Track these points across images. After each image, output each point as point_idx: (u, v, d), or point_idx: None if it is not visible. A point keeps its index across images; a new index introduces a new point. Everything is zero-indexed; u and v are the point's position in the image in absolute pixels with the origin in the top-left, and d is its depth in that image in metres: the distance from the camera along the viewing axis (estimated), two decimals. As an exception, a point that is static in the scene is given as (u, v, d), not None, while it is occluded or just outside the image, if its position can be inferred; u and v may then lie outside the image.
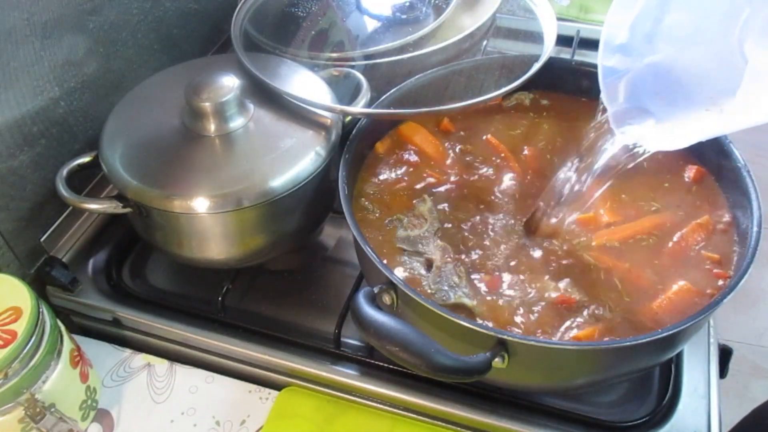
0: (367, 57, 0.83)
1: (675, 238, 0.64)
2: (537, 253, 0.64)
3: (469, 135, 0.76)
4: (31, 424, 0.59)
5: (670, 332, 0.52)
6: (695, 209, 0.67)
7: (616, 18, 0.61)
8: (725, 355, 0.70)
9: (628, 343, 0.53)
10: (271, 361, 0.70)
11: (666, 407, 0.65)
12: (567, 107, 0.78)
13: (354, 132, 0.71)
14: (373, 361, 0.69)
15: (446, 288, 0.60)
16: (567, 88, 0.79)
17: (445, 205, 0.68)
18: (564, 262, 0.63)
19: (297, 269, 0.81)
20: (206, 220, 0.67)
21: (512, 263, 0.63)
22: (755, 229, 0.60)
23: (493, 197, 0.69)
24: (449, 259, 0.62)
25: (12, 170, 0.71)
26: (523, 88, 0.74)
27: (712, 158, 0.69)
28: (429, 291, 0.61)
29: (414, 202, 0.68)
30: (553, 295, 0.60)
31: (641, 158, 0.59)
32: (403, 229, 0.66)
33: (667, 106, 0.58)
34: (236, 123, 0.70)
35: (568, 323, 0.58)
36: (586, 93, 0.79)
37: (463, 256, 0.63)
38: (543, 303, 0.59)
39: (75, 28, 0.75)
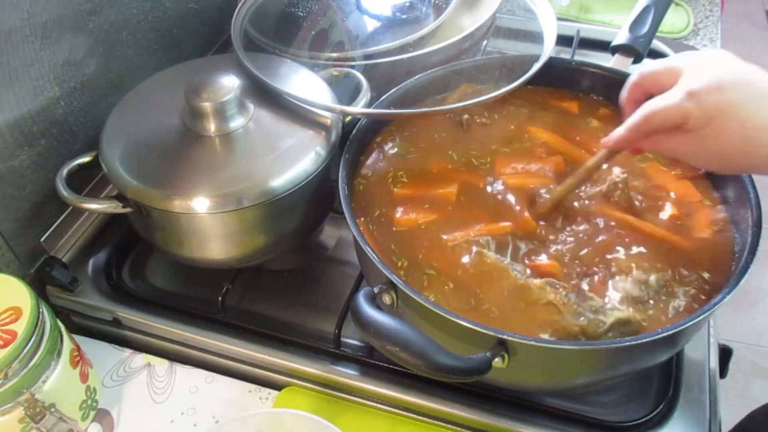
0: (367, 57, 0.83)
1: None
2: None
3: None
4: (31, 424, 0.59)
5: (670, 332, 0.52)
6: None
7: None
8: (725, 355, 0.70)
9: (628, 343, 0.53)
10: (271, 361, 0.70)
11: (666, 407, 0.65)
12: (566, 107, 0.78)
13: (354, 132, 0.71)
14: (373, 361, 0.69)
15: (592, 315, 0.57)
16: (567, 88, 0.79)
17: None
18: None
19: (297, 269, 0.81)
20: (206, 220, 0.67)
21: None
22: (754, 229, 0.60)
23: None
24: (561, 289, 0.59)
25: (12, 170, 0.71)
26: (522, 87, 0.74)
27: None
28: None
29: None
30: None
31: None
32: None
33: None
34: (236, 123, 0.70)
35: None
36: (586, 93, 0.79)
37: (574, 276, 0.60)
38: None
39: (75, 28, 0.75)
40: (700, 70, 0.55)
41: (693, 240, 0.63)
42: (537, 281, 0.59)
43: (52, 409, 0.60)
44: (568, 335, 0.56)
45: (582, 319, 0.57)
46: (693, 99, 0.53)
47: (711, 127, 0.53)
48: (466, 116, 0.76)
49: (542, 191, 0.67)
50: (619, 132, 0.59)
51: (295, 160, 0.68)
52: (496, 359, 0.51)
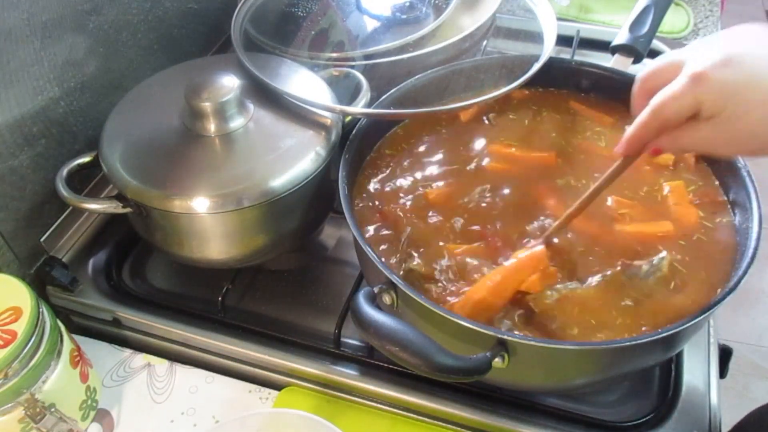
0: (367, 57, 0.83)
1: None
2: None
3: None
4: (31, 424, 0.59)
5: (670, 332, 0.52)
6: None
7: None
8: (725, 355, 0.70)
9: (628, 343, 0.53)
10: (271, 361, 0.70)
11: (666, 407, 0.65)
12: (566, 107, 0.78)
13: (354, 132, 0.71)
14: (373, 361, 0.69)
15: (651, 278, 0.59)
16: (567, 88, 0.79)
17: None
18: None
19: (297, 269, 0.81)
20: (206, 220, 0.67)
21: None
22: (755, 229, 0.60)
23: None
24: (611, 274, 0.60)
25: (12, 170, 0.71)
26: (523, 88, 0.74)
27: (712, 158, 0.69)
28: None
29: None
30: None
31: None
32: None
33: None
34: (236, 123, 0.70)
35: None
36: (586, 93, 0.79)
37: None
38: None
39: (75, 28, 0.75)
40: (702, 52, 0.48)
41: (692, 239, 0.63)
42: (594, 283, 0.59)
43: (52, 409, 0.60)
44: (657, 304, 0.57)
45: (648, 285, 0.58)
46: (700, 81, 0.47)
47: (731, 107, 0.46)
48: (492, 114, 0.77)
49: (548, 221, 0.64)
50: (628, 132, 0.53)
51: (295, 160, 0.68)
52: (496, 359, 0.51)
